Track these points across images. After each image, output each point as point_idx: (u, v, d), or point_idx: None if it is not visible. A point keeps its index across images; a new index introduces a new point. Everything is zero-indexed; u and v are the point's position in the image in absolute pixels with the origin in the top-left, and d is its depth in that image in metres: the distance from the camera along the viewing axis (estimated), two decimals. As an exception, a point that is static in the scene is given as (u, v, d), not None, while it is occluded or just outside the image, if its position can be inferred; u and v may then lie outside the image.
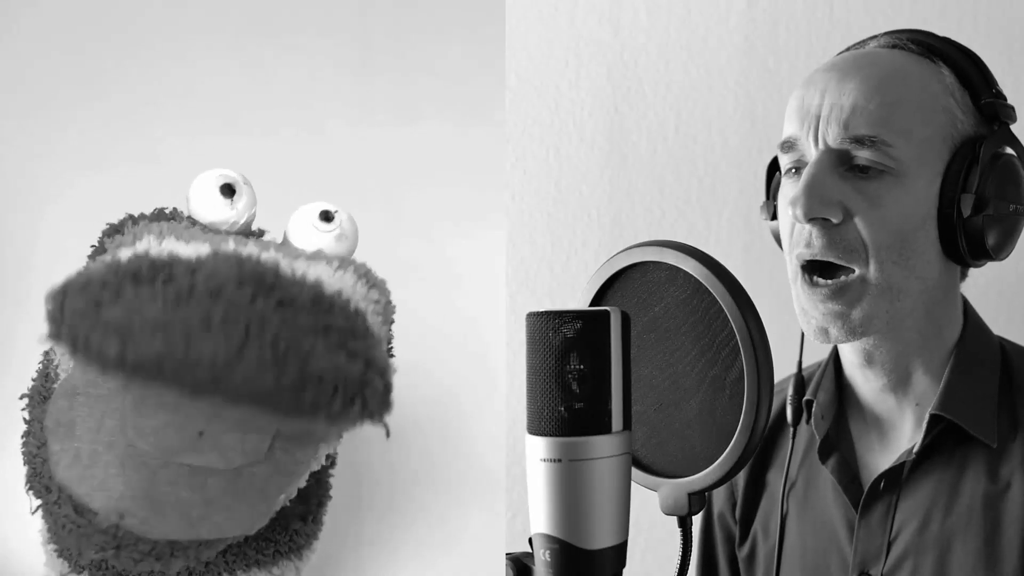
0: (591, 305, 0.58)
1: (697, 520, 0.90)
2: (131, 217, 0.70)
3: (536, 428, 0.51)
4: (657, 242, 0.56)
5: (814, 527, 0.79)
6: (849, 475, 0.77)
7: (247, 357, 0.46)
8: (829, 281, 0.71)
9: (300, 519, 0.71)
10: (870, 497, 0.75)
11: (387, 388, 0.53)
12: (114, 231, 0.69)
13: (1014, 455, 0.72)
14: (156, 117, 1.11)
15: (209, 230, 0.68)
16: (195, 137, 1.10)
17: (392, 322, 0.72)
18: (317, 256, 0.67)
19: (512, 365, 1.10)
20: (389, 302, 0.70)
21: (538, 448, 0.51)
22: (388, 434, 0.55)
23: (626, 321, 0.52)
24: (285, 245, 0.70)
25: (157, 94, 1.12)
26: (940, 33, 0.76)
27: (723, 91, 1.15)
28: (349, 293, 0.61)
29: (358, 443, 1.06)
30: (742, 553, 0.86)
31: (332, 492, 0.80)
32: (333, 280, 0.62)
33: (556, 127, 1.17)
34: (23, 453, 0.63)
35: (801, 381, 0.82)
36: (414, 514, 1.05)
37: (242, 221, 0.69)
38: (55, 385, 0.63)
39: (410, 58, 1.15)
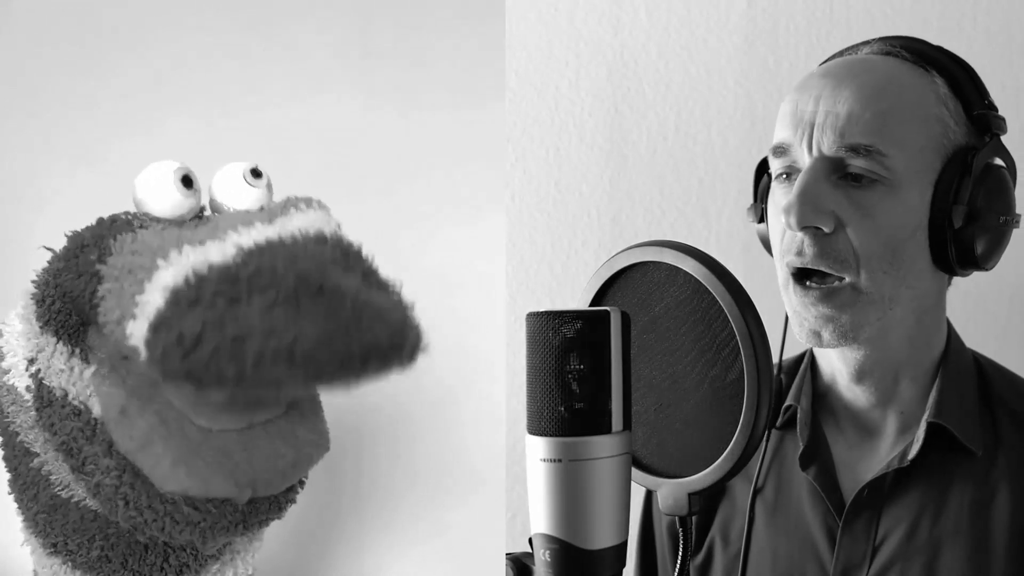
0: (591, 305, 0.58)
1: (635, 532, 0.89)
2: (110, 231, 0.65)
3: (536, 428, 0.51)
4: (657, 242, 0.56)
5: (787, 533, 0.78)
6: (830, 482, 0.77)
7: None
8: (821, 285, 0.72)
9: None
10: (855, 505, 0.75)
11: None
12: (101, 251, 0.64)
13: (998, 464, 0.73)
14: (155, 109, 1.11)
15: (170, 224, 0.66)
16: (194, 130, 1.10)
17: None
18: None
19: (512, 365, 1.10)
20: None
21: (538, 448, 0.51)
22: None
23: (626, 321, 0.52)
24: (224, 215, 0.68)
25: (155, 87, 1.13)
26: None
27: (723, 91, 1.15)
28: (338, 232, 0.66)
29: (358, 443, 1.06)
30: (694, 562, 0.85)
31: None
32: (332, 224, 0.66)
33: (556, 127, 1.17)
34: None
35: (780, 383, 0.82)
36: (414, 514, 1.05)
37: (198, 208, 0.68)
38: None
39: (410, 58, 1.15)
